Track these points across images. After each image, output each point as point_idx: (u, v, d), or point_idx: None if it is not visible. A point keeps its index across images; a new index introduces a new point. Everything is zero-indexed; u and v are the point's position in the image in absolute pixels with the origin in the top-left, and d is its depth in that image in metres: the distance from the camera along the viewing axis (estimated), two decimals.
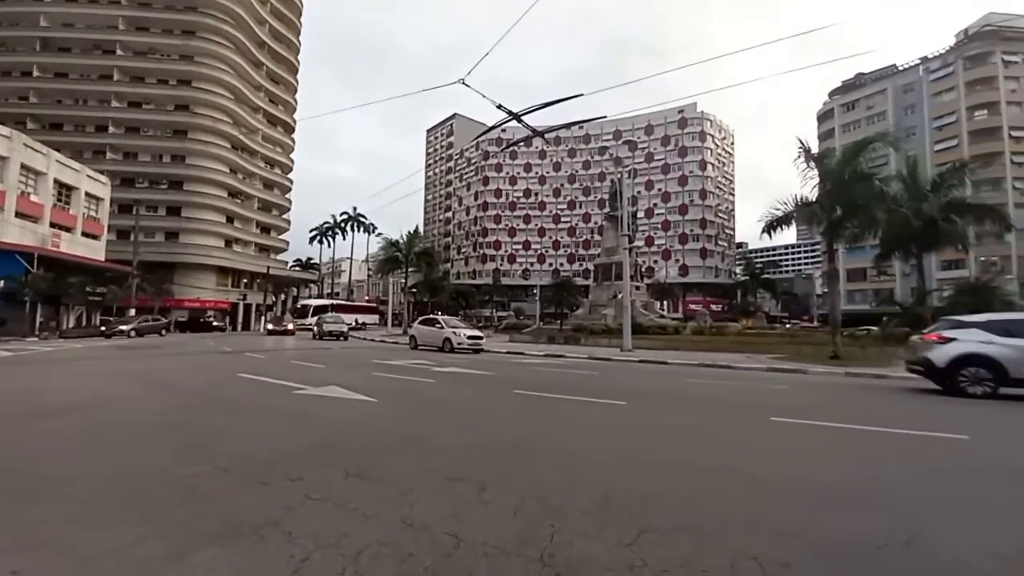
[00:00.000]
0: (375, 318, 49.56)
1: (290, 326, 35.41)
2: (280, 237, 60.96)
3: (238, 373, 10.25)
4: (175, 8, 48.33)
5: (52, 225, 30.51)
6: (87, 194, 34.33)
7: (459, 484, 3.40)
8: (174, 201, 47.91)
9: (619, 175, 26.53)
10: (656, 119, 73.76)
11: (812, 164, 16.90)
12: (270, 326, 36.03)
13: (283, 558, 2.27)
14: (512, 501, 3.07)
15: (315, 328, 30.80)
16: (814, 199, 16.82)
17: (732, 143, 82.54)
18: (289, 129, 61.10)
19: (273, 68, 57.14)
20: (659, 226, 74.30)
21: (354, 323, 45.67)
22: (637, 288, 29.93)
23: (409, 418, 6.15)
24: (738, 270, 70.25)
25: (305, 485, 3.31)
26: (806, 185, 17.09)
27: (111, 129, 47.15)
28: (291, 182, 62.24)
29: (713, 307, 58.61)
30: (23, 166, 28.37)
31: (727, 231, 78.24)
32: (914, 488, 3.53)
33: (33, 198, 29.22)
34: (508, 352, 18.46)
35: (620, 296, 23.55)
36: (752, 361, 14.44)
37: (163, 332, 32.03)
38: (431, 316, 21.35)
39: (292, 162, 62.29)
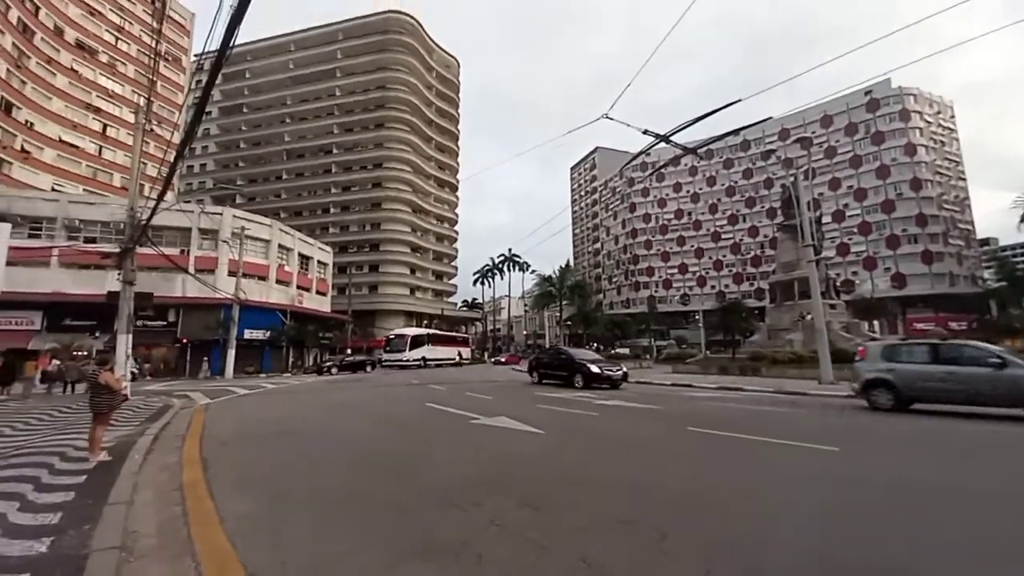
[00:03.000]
0: (467, 351, 46.98)
1: (618, 370, 16.33)
2: (449, 282, 69.58)
3: (425, 403, 11.68)
4: (368, 109, 61.33)
5: (298, 287, 40.35)
6: (318, 262, 44.73)
7: (634, 527, 3.22)
8: (374, 260, 59.25)
9: (792, 178, 23.06)
10: (833, 108, 62.51)
11: None
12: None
13: None
14: (698, 555, 2.77)
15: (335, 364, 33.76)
16: None
17: (952, 116, 64.42)
18: (453, 188, 70.67)
19: (440, 140, 67.65)
20: (854, 230, 61.09)
21: (458, 356, 43.40)
22: (832, 307, 24.89)
23: (575, 452, 6.13)
24: (987, 275, 52.71)
25: (485, 511, 3.54)
26: None
27: (331, 210, 61.39)
28: (456, 233, 71.17)
29: (952, 325, 44.98)
30: (279, 246, 38.56)
31: (960, 227, 59.85)
32: None
33: (286, 268, 39.25)
34: (673, 384, 17.11)
35: (809, 317, 19.95)
36: None
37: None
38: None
39: (457, 216, 71.47)
